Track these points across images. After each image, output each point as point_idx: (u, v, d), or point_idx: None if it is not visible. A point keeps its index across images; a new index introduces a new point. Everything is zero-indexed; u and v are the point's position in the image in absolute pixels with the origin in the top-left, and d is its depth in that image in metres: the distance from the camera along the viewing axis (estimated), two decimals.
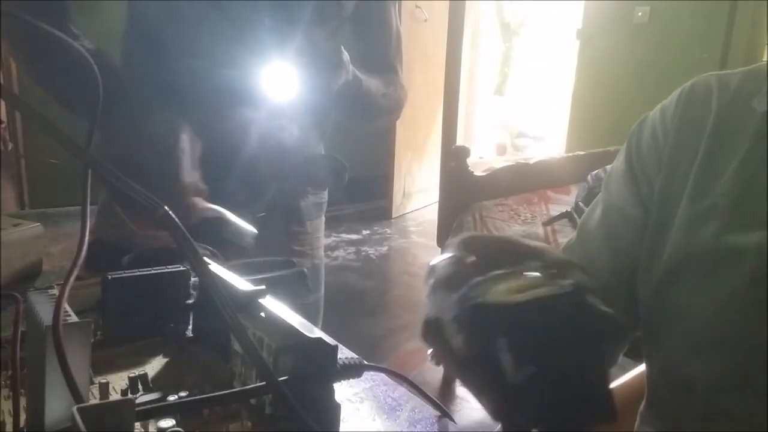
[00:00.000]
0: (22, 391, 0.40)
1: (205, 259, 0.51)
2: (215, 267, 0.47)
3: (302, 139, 1.00)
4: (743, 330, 0.49)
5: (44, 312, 0.35)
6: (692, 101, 0.57)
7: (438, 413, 0.46)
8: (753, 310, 0.48)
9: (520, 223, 2.21)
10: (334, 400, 0.37)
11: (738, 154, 0.52)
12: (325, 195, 1.11)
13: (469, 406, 2.02)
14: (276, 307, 0.40)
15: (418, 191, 4.53)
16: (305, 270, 0.58)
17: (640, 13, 3.23)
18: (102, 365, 0.42)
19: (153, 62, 0.92)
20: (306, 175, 1.03)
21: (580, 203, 2.12)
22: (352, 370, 0.39)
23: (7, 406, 0.38)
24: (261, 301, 0.41)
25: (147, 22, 0.93)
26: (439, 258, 0.39)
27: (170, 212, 0.34)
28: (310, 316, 1.12)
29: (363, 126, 1.14)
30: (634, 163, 0.60)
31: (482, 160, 4.61)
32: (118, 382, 0.41)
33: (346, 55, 0.84)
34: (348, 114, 1.05)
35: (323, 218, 1.13)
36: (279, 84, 0.81)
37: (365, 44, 1.05)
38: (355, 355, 0.41)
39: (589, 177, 2.19)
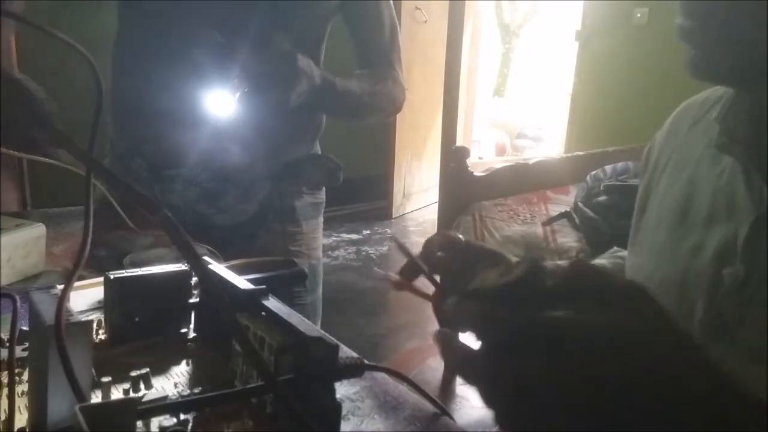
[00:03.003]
0: (24, 390, 0.40)
1: (206, 258, 0.51)
2: (216, 267, 0.47)
3: (282, 144, 0.99)
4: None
5: (46, 312, 0.35)
6: (680, 115, 0.63)
7: (438, 412, 0.47)
8: (681, 305, 0.52)
9: (519, 223, 2.21)
10: (335, 399, 0.37)
11: (693, 160, 0.57)
12: (322, 195, 1.11)
13: (468, 405, 2.03)
14: (277, 306, 0.40)
15: (418, 191, 4.53)
16: (305, 270, 0.58)
17: (638, 14, 3.23)
18: (104, 365, 0.42)
19: (130, 73, 0.96)
20: (299, 175, 1.03)
21: (579, 203, 2.13)
22: (352, 370, 0.39)
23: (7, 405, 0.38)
24: (262, 300, 0.41)
25: (122, 36, 0.96)
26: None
27: (169, 214, 0.34)
28: (308, 316, 1.12)
29: (354, 124, 1.13)
30: (642, 175, 0.66)
31: (482, 160, 4.61)
32: (120, 381, 0.41)
33: (304, 63, 0.83)
34: (331, 115, 1.05)
35: (321, 218, 1.12)
36: (220, 105, 0.80)
37: (358, 39, 1.04)
38: (355, 355, 0.41)
39: (588, 177, 2.19)
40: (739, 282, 0.48)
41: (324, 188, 1.10)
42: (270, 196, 1.01)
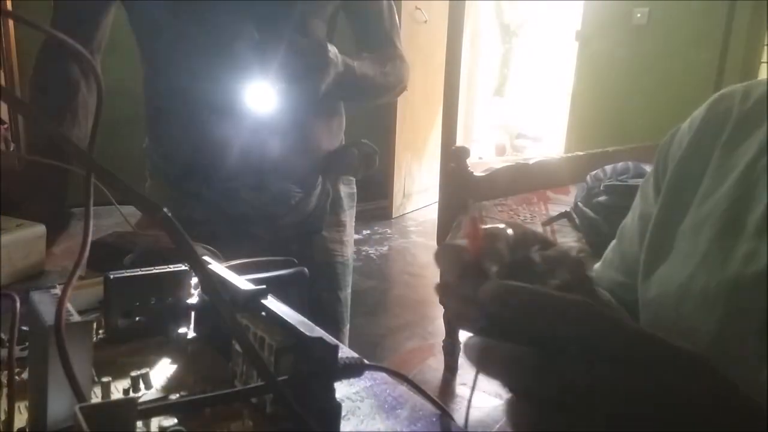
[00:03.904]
0: (24, 390, 0.40)
1: (206, 258, 0.51)
2: (216, 267, 0.47)
3: (321, 136, 1.02)
4: (719, 329, 0.50)
5: (47, 312, 0.35)
6: (715, 109, 0.58)
7: (438, 412, 0.47)
8: (732, 314, 0.49)
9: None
10: (335, 399, 0.37)
11: (743, 161, 0.53)
12: (354, 185, 1.14)
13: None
14: (277, 306, 0.40)
15: (418, 191, 4.53)
16: (305, 270, 0.58)
17: (638, 14, 3.23)
18: (104, 365, 0.42)
19: (165, 83, 0.96)
20: (342, 163, 1.05)
21: (579, 203, 2.13)
22: (352, 370, 0.39)
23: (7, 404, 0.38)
24: (262, 300, 0.41)
25: (146, 48, 0.96)
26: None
27: (169, 214, 0.34)
28: (345, 306, 1.15)
29: (367, 105, 1.15)
30: (660, 172, 0.61)
31: (482, 160, 4.61)
32: (120, 381, 0.41)
33: (331, 51, 0.85)
34: (348, 99, 1.07)
35: (355, 209, 1.16)
36: (261, 99, 0.82)
37: (359, 22, 1.06)
38: (355, 355, 0.41)
39: (588, 177, 2.19)
40: None
41: (355, 179, 1.13)
42: (324, 188, 1.03)
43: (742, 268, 0.49)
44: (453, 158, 2.28)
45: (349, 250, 1.11)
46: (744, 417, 0.29)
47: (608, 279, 0.67)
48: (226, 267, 0.49)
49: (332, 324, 1.05)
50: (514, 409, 0.29)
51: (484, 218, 2.35)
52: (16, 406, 0.38)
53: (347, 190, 1.11)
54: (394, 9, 1.08)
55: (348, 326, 1.11)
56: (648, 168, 2.16)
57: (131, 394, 0.40)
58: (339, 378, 0.38)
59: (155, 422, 0.35)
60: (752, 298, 0.48)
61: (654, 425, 0.27)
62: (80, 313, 0.36)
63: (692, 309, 0.52)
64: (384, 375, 0.50)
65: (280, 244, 0.98)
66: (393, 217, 4.30)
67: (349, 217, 1.11)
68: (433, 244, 2.66)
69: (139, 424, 0.34)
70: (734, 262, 0.50)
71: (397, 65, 1.05)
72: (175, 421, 0.34)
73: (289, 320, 0.38)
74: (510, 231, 0.38)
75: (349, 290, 1.10)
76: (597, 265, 0.71)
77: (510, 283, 0.30)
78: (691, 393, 0.28)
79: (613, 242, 0.69)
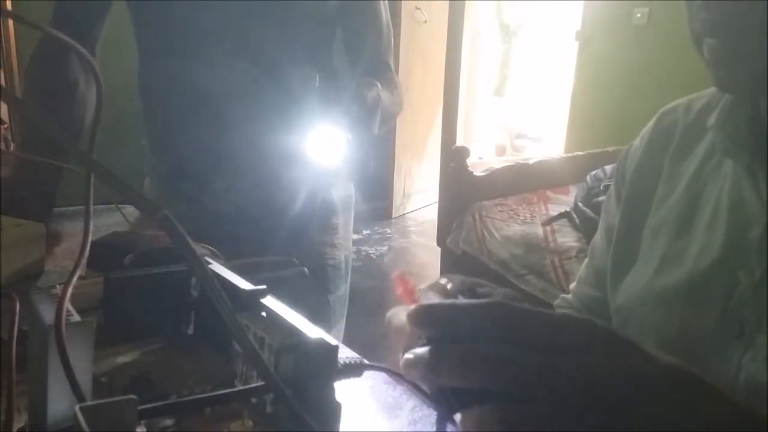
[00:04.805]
0: (24, 389, 0.40)
1: (206, 259, 0.51)
2: (216, 267, 0.47)
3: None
4: (681, 325, 0.53)
5: (46, 311, 0.35)
6: (662, 123, 0.63)
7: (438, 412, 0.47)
8: (690, 309, 0.52)
9: (519, 223, 2.21)
10: (335, 399, 0.37)
11: (691, 168, 0.57)
12: (352, 188, 1.13)
13: None
14: (277, 306, 0.40)
15: (418, 191, 4.53)
16: (306, 270, 0.58)
17: (639, 15, 3.23)
18: (104, 365, 0.42)
19: (164, 94, 0.95)
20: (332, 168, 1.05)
21: (579, 203, 2.13)
22: (352, 370, 0.39)
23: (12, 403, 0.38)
24: (262, 300, 0.41)
25: (156, 49, 0.95)
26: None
27: (169, 214, 0.34)
28: (340, 306, 1.15)
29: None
30: (620, 186, 0.65)
31: (482, 160, 4.61)
32: (119, 381, 0.41)
33: (379, 90, 0.84)
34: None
35: (352, 211, 1.14)
36: (328, 147, 0.79)
37: (358, 43, 1.05)
38: (355, 355, 0.41)
39: (588, 177, 2.19)
40: (755, 282, 0.47)
41: (352, 182, 1.13)
42: (313, 190, 1.03)
43: (695, 264, 0.52)
44: (453, 158, 2.28)
45: (342, 254, 1.09)
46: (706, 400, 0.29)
47: (583, 295, 0.69)
48: (227, 267, 0.49)
49: (321, 328, 1.05)
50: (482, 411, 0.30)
51: (484, 218, 2.36)
52: (16, 406, 0.38)
53: (343, 192, 1.10)
54: (392, 31, 1.08)
55: (337, 330, 1.10)
56: None
57: (131, 394, 0.40)
58: (339, 378, 0.38)
59: (155, 422, 0.35)
60: (706, 292, 0.50)
61: (581, 398, 0.28)
62: (80, 313, 0.36)
63: (655, 309, 0.54)
64: (384, 375, 0.50)
65: (267, 246, 0.97)
66: (393, 217, 4.30)
67: (343, 220, 1.10)
68: (433, 244, 2.66)
69: (140, 424, 0.34)
70: (688, 259, 0.53)
71: (401, 91, 1.06)
72: (175, 421, 0.34)
73: (289, 320, 0.38)
74: (448, 284, 0.39)
75: (341, 293, 1.08)
76: (572, 285, 0.73)
77: (428, 303, 0.33)
78: (610, 366, 0.29)
79: (586, 260, 0.72)
